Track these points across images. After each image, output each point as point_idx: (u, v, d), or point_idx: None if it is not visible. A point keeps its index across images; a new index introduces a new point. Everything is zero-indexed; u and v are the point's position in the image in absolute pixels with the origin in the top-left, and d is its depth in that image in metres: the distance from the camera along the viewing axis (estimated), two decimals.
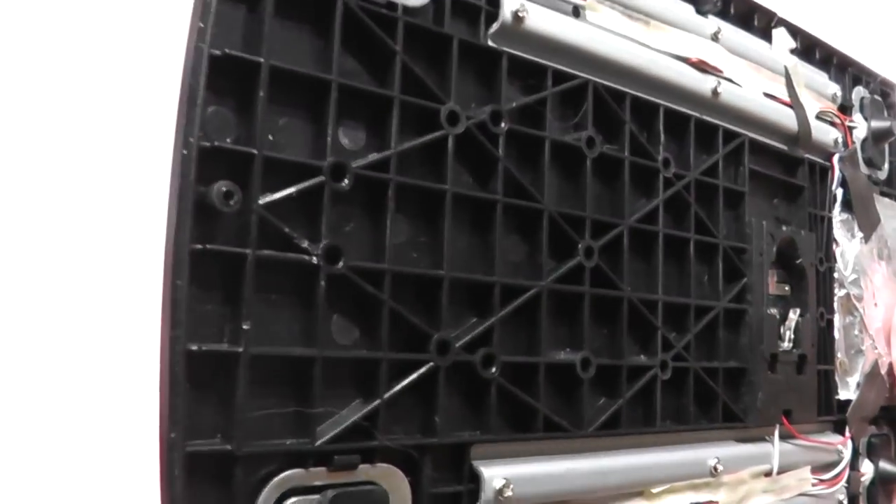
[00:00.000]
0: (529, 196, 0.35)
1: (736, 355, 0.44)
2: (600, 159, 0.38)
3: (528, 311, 0.35)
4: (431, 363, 0.31)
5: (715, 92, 0.43)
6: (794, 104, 0.49)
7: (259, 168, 0.27)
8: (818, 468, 0.48)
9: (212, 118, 0.28)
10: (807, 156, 0.50)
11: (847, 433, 0.50)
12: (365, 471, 0.29)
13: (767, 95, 0.47)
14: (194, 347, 0.26)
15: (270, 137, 0.29)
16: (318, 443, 0.28)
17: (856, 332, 0.51)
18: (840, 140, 0.52)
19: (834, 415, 0.50)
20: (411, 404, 0.31)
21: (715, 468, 0.41)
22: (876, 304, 0.53)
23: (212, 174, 0.27)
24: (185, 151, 0.26)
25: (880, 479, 0.52)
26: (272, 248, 0.28)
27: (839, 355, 0.51)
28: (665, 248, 0.40)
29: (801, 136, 0.49)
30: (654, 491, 0.38)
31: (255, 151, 0.27)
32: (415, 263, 0.32)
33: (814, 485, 0.47)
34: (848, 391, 0.51)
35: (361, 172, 0.30)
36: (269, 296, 0.28)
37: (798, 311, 0.47)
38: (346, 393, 0.30)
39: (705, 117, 0.43)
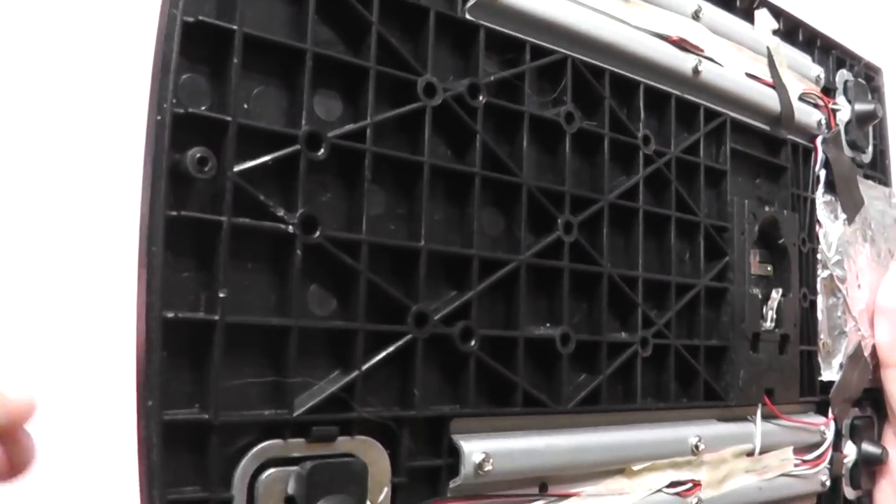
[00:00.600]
0: (507, 170, 0.35)
1: (717, 334, 0.44)
2: (580, 135, 0.38)
3: (506, 286, 0.35)
4: (409, 335, 0.31)
5: (696, 70, 0.43)
6: (777, 85, 0.49)
7: (233, 135, 0.27)
8: (801, 449, 0.48)
9: (186, 85, 0.27)
10: (790, 137, 0.50)
11: (830, 414, 0.50)
12: (344, 443, 0.29)
13: (750, 76, 0.47)
14: (170, 315, 0.26)
15: (245, 106, 0.28)
16: (296, 413, 0.28)
17: (839, 314, 0.52)
18: (824, 122, 0.52)
19: (817, 396, 0.50)
20: (389, 377, 0.31)
21: (696, 447, 0.41)
22: (860, 286, 0.53)
23: (186, 141, 0.26)
24: (158, 118, 0.26)
25: (863, 460, 0.52)
26: (248, 217, 0.27)
27: (822, 336, 0.51)
28: (645, 225, 0.40)
29: (784, 117, 0.49)
30: (635, 469, 0.38)
31: (229, 118, 0.27)
32: (392, 235, 0.32)
33: (796, 465, 0.47)
34: (831, 372, 0.51)
35: (337, 142, 0.29)
36: (245, 264, 0.28)
37: (780, 291, 0.47)
38: (324, 364, 0.29)
39: (686, 96, 0.43)
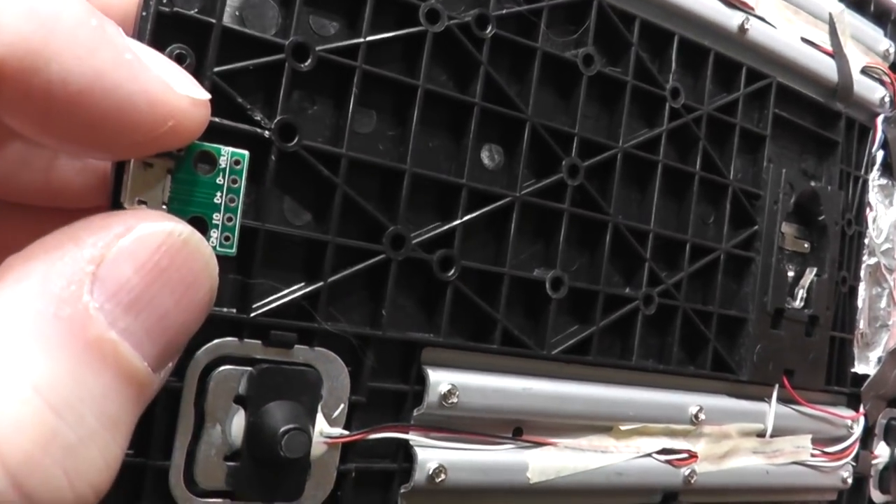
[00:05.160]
0: (512, 105, 0.34)
1: (737, 305, 0.42)
2: (600, 80, 0.37)
3: (499, 223, 0.34)
4: (383, 255, 0.31)
5: (742, 28, 0.41)
6: (837, 54, 0.46)
7: (217, 37, 0.27)
8: (823, 440, 0.46)
9: None
10: (846, 111, 0.47)
11: (861, 409, 0.48)
12: (302, 352, 0.29)
13: (806, 41, 0.45)
14: None
15: (237, 13, 0.29)
16: (254, 314, 0.28)
17: (883, 305, 0.49)
18: (888, 99, 0.49)
19: (847, 387, 0.47)
20: (359, 295, 0.31)
21: (696, 416, 0.39)
22: None
23: (168, 39, 0.27)
24: (143, 14, 0.27)
25: (895, 464, 0.49)
26: (227, 118, 0.28)
27: (861, 326, 0.48)
28: (667, 181, 0.39)
29: (841, 89, 0.46)
30: (623, 428, 0.37)
31: (213, 21, 0.28)
32: (381, 155, 0.31)
33: (813, 455, 0.45)
34: (867, 365, 0.48)
35: (326, 56, 0.29)
36: None
37: (815, 269, 0.44)
38: (293, 275, 0.30)
39: (728, 53, 0.41)
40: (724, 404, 0.41)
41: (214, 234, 0.26)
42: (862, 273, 0.48)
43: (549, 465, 0.35)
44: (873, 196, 0.48)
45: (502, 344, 0.34)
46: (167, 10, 0.27)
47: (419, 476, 0.32)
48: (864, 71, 0.48)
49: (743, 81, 0.42)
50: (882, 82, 0.49)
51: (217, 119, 0.27)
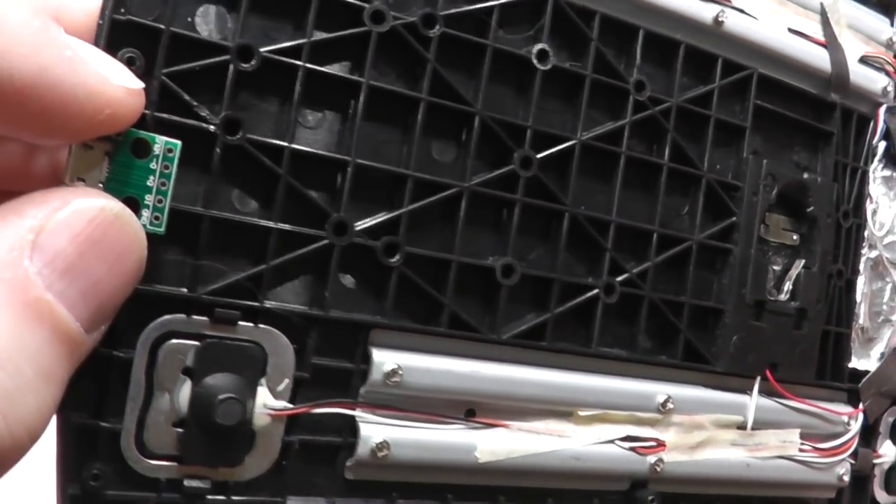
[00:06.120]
0: (461, 100, 0.35)
1: (716, 296, 0.42)
2: (559, 75, 0.38)
3: (450, 213, 0.36)
4: (326, 241, 0.33)
5: (717, 20, 0.41)
6: (830, 44, 0.45)
7: (166, 41, 0.30)
8: (816, 436, 0.45)
9: None
10: (842, 101, 0.46)
11: (861, 406, 0.46)
12: (248, 330, 0.32)
13: (795, 32, 0.44)
14: None
15: (189, 20, 0.32)
16: (199, 293, 0.31)
17: (885, 300, 0.47)
18: (891, 89, 0.47)
19: (844, 382, 0.46)
20: (306, 278, 0.33)
21: (664, 405, 0.40)
22: None
23: (123, 43, 0.30)
24: (100, 22, 0.30)
25: None
26: (176, 115, 0.31)
27: (860, 321, 0.47)
28: (635, 173, 0.40)
29: (836, 80, 0.45)
30: (582, 414, 0.38)
31: (162, 27, 0.30)
32: (329, 149, 0.34)
33: (802, 450, 0.44)
34: (868, 361, 0.47)
35: (270, 57, 0.32)
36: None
37: (803, 262, 0.44)
38: (241, 258, 0.32)
39: (701, 46, 0.41)
40: (697, 394, 0.41)
41: (146, 213, 0.28)
42: (861, 266, 0.47)
43: (500, 446, 0.36)
44: (876, 188, 0.47)
45: (451, 327, 0.35)
46: (122, 17, 0.30)
47: (362, 451, 0.33)
48: (865, 60, 0.47)
49: (719, 73, 0.42)
50: (889, 73, 0.48)
51: (166, 115, 0.30)
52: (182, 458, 0.31)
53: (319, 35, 0.33)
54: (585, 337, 0.39)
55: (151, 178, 0.29)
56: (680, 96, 0.41)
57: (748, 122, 0.43)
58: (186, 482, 0.31)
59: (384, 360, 0.34)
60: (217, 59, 0.31)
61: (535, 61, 0.37)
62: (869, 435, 0.48)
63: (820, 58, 0.45)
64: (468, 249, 0.36)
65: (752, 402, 0.42)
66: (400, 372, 0.34)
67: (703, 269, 0.42)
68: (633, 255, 0.40)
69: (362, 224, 0.34)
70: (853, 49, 0.46)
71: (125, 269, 0.26)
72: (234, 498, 0.32)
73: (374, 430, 0.34)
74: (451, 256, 0.35)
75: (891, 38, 0.48)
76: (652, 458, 0.39)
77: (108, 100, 0.26)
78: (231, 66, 0.31)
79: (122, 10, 0.30)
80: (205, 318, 0.31)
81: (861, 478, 0.47)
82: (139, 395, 0.30)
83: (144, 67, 0.30)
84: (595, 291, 0.38)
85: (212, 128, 0.31)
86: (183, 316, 0.31)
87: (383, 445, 0.34)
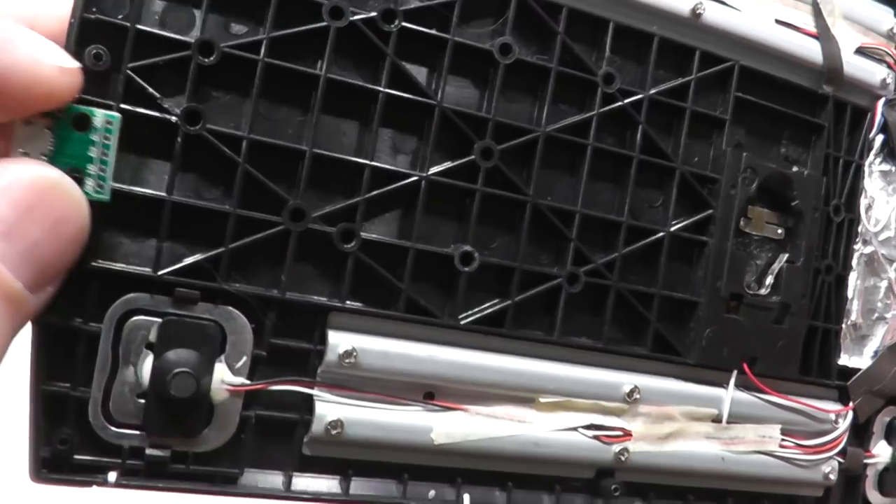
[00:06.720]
0: (420, 93, 0.37)
1: (689, 288, 0.42)
2: (524, 69, 0.38)
3: (411, 202, 0.37)
4: (282, 226, 0.35)
5: (695, 13, 0.41)
6: (822, 35, 0.44)
7: (132, 38, 0.33)
8: (802, 433, 0.44)
9: None
10: (835, 94, 0.45)
11: (851, 403, 0.46)
12: (207, 309, 0.34)
13: (783, 24, 0.44)
14: None
15: (156, 17, 0.34)
16: (160, 273, 0.33)
17: (880, 297, 0.46)
18: (890, 81, 0.46)
19: (832, 379, 0.45)
20: (266, 262, 0.35)
21: (630, 394, 0.40)
22: None
23: (92, 40, 0.32)
24: (72, 20, 0.32)
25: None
26: (141, 107, 0.33)
27: (853, 317, 0.46)
28: (607, 165, 0.40)
29: (829, 72, 0.44)
30: (543, 401, 0.39)
31: (128, 24, 0.33)
32: (290, 139, 0.35)
33: (784, 446, 0.44)
34: (860, 358, 0.46)
35: (229, 51, 0.34)
36: (142, 147, 0.33)
37: (786, 256, 0.43)
38: (203, 242, 0.34)
39: (678, 38, 0.41)
40: (668, 386, 0.41)
41: (90, 182, 0.31)
42: (854, 262, 0.46)
43: (456, 429, 0.37)
44: (873, 182, 0.46)
45: (409, 312, 0.37)
46: (91, 16, 0.32)
47: (316, 428, 0.35)
48: (863, 52, 0.46)
49: (696, 66, 0.42)
50: (887, 64, 0.46)
51: (131, 107, 0.33)
52: (144, 427, 0.33)
53: (279, 31, 0.34)
54: (550, 325, 0.39)
55: (93, 149, 0.31)
56: (653, 89, 0.41)
57: (728, 115, 0.42)
58: (148, 451, 0.33)
59: (339, 341, 0.35)
60: (179, 54, 0.33)
61: (497, 55, 0.38)
62: (862, 434, 0.47)
63: (811, 49, 0.44)
64: (431, 238, 0.37)
65: (728, 396, 0.42)
66: (355, 353, 0.35)
67: (678, 261, 0.42)
68: (603, 247, 0.40)
69: (320, 211, 0.35)
70: (850, 40, 0.45)
71: (65, 232, 0.29)
72: (194, 468, 0.34)
73: (330, 408, 0.35)
74: (408, 243, 0.36)
75: (892, 29, 0.47)
76: (617, 448, 0.40)
77: (42, 78, 0.28)
78: (193, 61, 0.33)
79: (94, 10, 0.32)
80: (168, 298, 0.33)
81: (852, 477, 0.46)
82: (106, 367, 0.33)
83: (111, 62, 0.32)
84: (558, 281, 0.39)
85: (174, 119, 0.33)
86: (147, 295, 0.33)
87: (337, 423, 0.35)
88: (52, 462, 0.32)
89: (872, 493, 0.47)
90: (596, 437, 0.40)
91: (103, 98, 0.32)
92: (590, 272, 0.40)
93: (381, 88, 0.36)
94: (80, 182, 0.30)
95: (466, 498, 0.38)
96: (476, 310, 0.38)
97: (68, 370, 0.33)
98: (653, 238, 0.41)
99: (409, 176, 0.37)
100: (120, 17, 0.33)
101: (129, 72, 0.33)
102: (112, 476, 0.33)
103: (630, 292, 0.40)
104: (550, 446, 0.39)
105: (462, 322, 0.37)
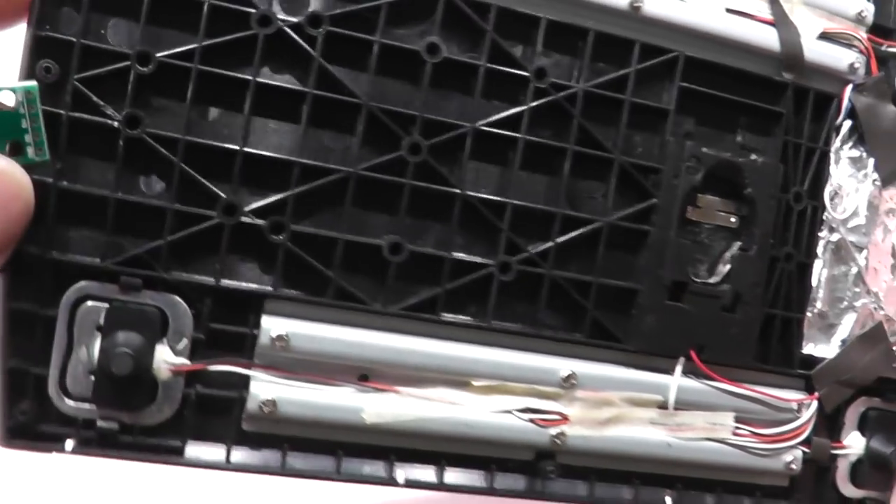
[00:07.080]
0: (348, 93, 0.39)
1: (631, 277, 0.43)
2: (454, 67, 0.40)
3: (342, 196, 0.39)
4: (216, 220, 0.38)
5: (633, 6, 0.42)
6: (779, 22, 0.44)
7: (77, 52, 0.36)
8: (760, 421, 0.44)
9: (63, 15, 0.37)
10: (795, 81, 0.44)
11: (815, 393, 0.45)
12: (150, 295, 0.37)
13: (734, 12, 0.43)
14: None
15: (102, 32, 0.38)
16: (105, 263, 0.37)
17: (848, 285, 0.45)
18: (858, 66, 0.45)
19: (794, 368, 0.45)
20: (202, 254, 0.38)
21: (566, 379, 0.41)
22: None
23: (45, 55, 0.36)
24: (27, 38, 0.36)
25: (871, 460, 0.45)
26: (86, 114, 0.37)
27: (819, 306, 0.45)
28: (544, 158, 0.42)
29: (787, 59, 0.44)
30: (476, 384, 0.40)
31: (74, 39, 0.36)
32: (225, 140, 0.38)
33: (739, 434, 0.44)
34: (826, 346, 0.45)
35: (165, 61, 0.37)
36: (89, 150, 0.37)
37: (738, 244, 0.43)
38: (143, 236, 0.37)
39: (616, 32, 0.42)
40: (607, 372, 0.42)
41: (30, 150, 0.35)
42: (820, 250, 0.45)
43: (387, 409, 0.39)
44: (841, 169, 0.45)
45: (340, 299, 0.39)
46: (42, 33, 0.36)
47: (251, 405, 0.38)
48: (828, 37, 0.45)
49: (636, 58, 0.42)
50: (857, 49, 0.45)
51: (77, 114, 0.37)
52: (95, 401, 0.37)
53: (211, 39, 0.38)
54: (484, 313, 0.41)
55: (24, 120, 0.35)
56: (589, 82, 0.42)
57: (672, 105, 0.43)
58: (99, 422, 0.37)
59: (271, 326, 0.38)
60: (119, 65, 0.37)
61: (424, 54, 0.40)
62: (832, 425, 0.46)
63: (766, 38, 0.44)
64: (364, 230, 0.40)
65: (674, 382, 0.43)
66: (286, 337, 0.38)
67: (622, 251, 0.43)
68: (543, 237, 0.42)
69: (252, 206, 0.38)
70: (813, 26, 0.45)
71: (12, 212, 0.34)
72: (140, 439, 0.38)
73: (264, 387, 0.38)
74: (337, 235, 0.39)
75: (861, 13, 0.45)
76: (553, 431, 0.41)
77: None
78: (132, 70, 0.37)
79: (47, 27, 0.36)
80: (115, 285, 0.37)
81: (821, 469, 0.46)
82: (62, 347, 0.37)
83: (60, 75, 0.36)
84: (489, 269, 0.41)
85: (115, 124, 0.37)
86: (97, 283, 0.37)
87: (269, 402, 0.38)
88: (16, 431, 0.37)
89: (846, 486, 0.46)
90: (531, 421, 0.41)
91: (54, 107, 0.36)
92: (525, 261, 0.41)
93: (308, 90, 0.39)
94: (21, 150, 0.35)
95: (401, 474, 0.40)
96: (410, 297, 0.40)
97: (29, 350, 0.37)
98: (590, 228, 0.42)
99: (337, 171, 0.39)
100: (70, 33, 0.37)
101: (76, 83, 0.36)
102: (69, 444, 0.37)
103: (567, 280, 0.42)
104: (483, 428, 0.40)
105: (392, 308, 0.40)
